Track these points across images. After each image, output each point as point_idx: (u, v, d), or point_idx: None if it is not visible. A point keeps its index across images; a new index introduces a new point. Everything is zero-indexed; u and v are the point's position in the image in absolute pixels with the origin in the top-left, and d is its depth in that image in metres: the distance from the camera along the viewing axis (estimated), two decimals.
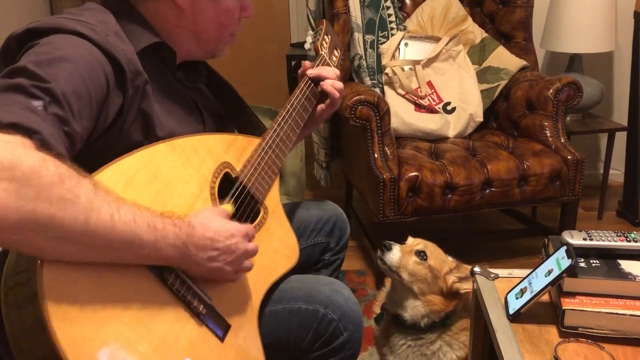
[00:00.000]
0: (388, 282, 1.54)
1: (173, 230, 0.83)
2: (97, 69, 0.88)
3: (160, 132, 1.00)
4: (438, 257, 1.45)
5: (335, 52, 1.46)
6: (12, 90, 0.79)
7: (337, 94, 1.30)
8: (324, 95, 1.32)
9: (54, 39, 0.88)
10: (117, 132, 0.95)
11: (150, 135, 0.99)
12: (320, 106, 1.33)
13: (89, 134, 0.89)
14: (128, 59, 0.94)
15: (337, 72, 1.33)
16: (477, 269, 1.21)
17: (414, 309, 1.43)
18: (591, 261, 1.04)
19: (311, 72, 1.31)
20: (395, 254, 1.42)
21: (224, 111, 1.25)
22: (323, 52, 1.38)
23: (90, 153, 0.89)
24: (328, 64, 1.38)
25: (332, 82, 1.30)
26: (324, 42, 1.41)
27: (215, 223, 0.91)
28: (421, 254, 1.42)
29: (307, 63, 1.33)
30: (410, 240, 1.48)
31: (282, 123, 1.22)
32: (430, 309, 1.41)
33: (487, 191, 2.15)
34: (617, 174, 3.03)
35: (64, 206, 0.70)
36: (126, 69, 0.93)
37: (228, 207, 1.03)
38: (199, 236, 0.87)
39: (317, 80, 1.31)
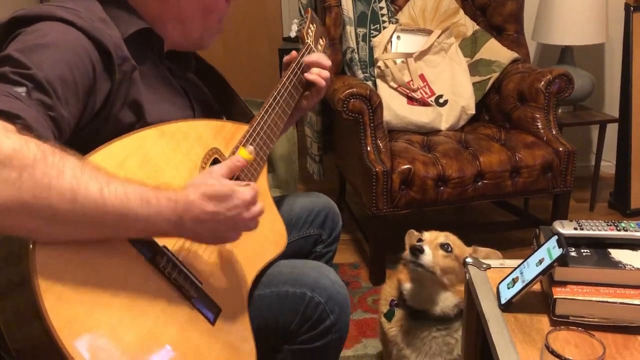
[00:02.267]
0: (403, 279, 1.49)
1: (168, 205, 0.82)
2: (82, 55, 0.88)
3: (150, 118, 1.00)
4: (460, 246, 1.46)
5: (321, 40, 1.46)
6: None
7: (323, 83, 1.30)
8: (310, 84, 1.32)
9: (39, 27, 0.88)
10: (105, 118, 0.94)
11: (140, 121, 0.99)
12: (307, 94, 1.33)
13: (77, 120, 0.88)
14: (115, 45, 0.93)
15: (329, 62, 1.33)
16: (469, 259, 1.21)
17: (445, 301, 1.43)
18: (582, 250, 1.05)
19: (308, 59, 1.30)
20: (428, 254, 1.39)
21: (213, 99, 1.25)
22: (309, 41, 1.39)
23: (79, 140, 0.89)
24: (314, 52, 1.38)
25: (319, 72, 1.30)
26: (309, 30, 1.41)
27: (218, 194, 0.87)
28: (446, 247, 1.43)
29: (293, 52, 1.33)
30: (428, 235, 1.47)
31: (270, 110, 1.22)
32: (461, 297, 1.42)
33: (480, 183, 2.16)
34: (608, 165, 3.04)
35: (49, 183, 0.69)
36: (113, 54, 0.92)
37: (244, 153, 1.01)
38: (198, 209, 0.84)
39: (303, 69, 1.31)
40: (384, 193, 2.09)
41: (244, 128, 1.17)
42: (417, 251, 1.39)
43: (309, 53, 1.35)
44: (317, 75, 1.29)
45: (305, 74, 1.30)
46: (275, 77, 3.93)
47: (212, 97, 1.26)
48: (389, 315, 1.52)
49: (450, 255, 1.42)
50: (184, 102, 1.13)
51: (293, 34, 1.28)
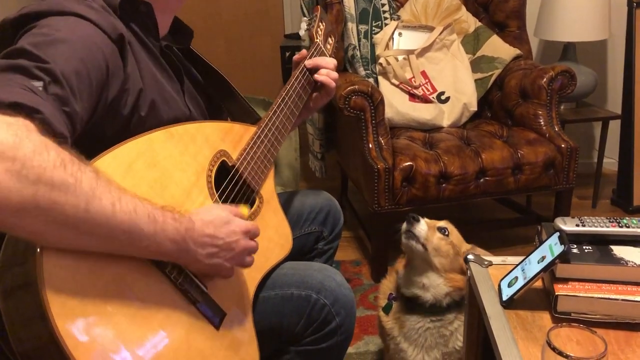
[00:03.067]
0: (400, 267, 1.51)
1: (173, 224, 0.83)
2: (95, 50, 0.88)
3: (143, 108, 0.99)
4: (457, 236, 1.47)
5: (330, 39, 1.45)
6: (12, 70, 0.79)
7: (332, 84, 1.30)
8: (319, 84, 1.32)
9: (51, 21, 0.87)
10: (111, 114, 0.94)
11: (135, 111, 0.98)
12: (315, 95, 1.33)
13: (90, 116, 0.88)
14: (125, 32, 0.93)
15: (335, 62, 1.33)
16: (470, 256, 1.21)
17: (436, 288, 1.43)
18: (584, 247, 1.05)
19: (309, 63, 1.30)
20: (423, 226, 1.41)
21: (214, 98, 1.24)
22: (318, 40, 1.38)
23: (88, 134, 0.88)
24: (323, 52, 1.37)
25: (328, 72, 1.29)
26: (318, 29, 1.40)
27: (217, 219, 0.91)
28: (443, 230, 1.43)
29: (303, 51, 1.33)
30: (427, 219, 1.47)
31: (278, 112, 1.21)
32: (452, 286, 1.42)
33: (482, 180, 2.15)
34: (611, 162, 3.03)
35: (66, 190, 0.69)
36: (125, 36, 0.93)
37: (244, 210, 1.03)
38: (199, 232, 0.87)
39: (312, 69, 1.31)
40: (386, 190, 2.08)
41: (251, 130, 1.16)
42: (413, 219, 1.41)
43: (318, 52, 1.35)
44: (326, 76, 1.29)
45: (315, 75, 1.30)
46: (278, 74, 3.92)
47: (214, 95, 1.25)
48: (387, 309, 1.53)
49: (446, 239, 1.42)
50: (174, 84, 1.10)
51: (302, 32, 1.27)
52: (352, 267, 2.37)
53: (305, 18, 1.44)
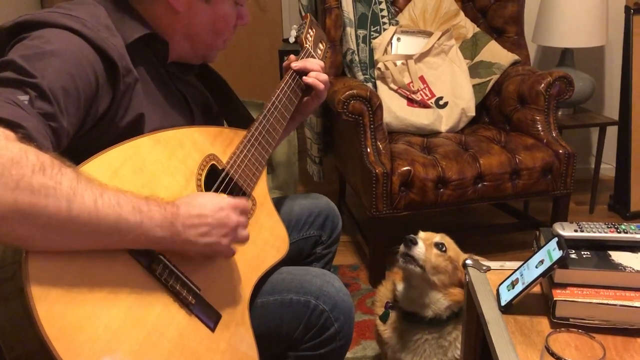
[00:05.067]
0: (397, 280, 1.50)
1: (158, 210, 0.83)
2: (86, 65, 0.88)
3: (149, 125, 1.00)
4: (455, 249, 1.46)
5: (320, 45, 1.46)
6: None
7: (321, 86, 1.30)
8: (309, 88, 1.32)
9: (44, 33, 0.87)
10: (107, 126, 0.95)
11: (139, 129, 0.99)
12: (307, 98, 1.34)
13: (76, 130, 0.88)
14: (120, 55, 0.94)
15: (322, 64, 1.33)
16: (469, 261, 1.21)
17: (436, 303, 1.43)
18: (582, 252, 1.05)
19: (295, 65, 1.31)
20: (421, 248, 1.40)
21: (214, 103, 1.25)
22: (307, 45, 1.39)
23: (78, 146, 0.89)
24: (313, 56, 1.38)
25: (316, 75, 1.29)
26: (308, 35, 1.41)
27: (201, 199, 0.91)
28: (440, 246, 1.42)
29: (292, 56, 1.34)
30: (424, 234, 1.47)
31: (268, 115, 1.22)
32: (452, 300, 1.42)
33: (480, 185, 2.15)
34: (608, 167, 3.04)
35: (46, 193, 0.70)
36: (119, 65, 0.93)
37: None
38: (185, 214, 0.87)
39: (302, 73, 1.31)
40: (384, 195, 2.08)
41: (241, 133, 1.17)
42: (410, 242, 1.40)
43: (307, 56, 1.35)
44: (314, 79, 1.29)
45: (304, 77, 1.30)
46: (276, 78, 3.93)
47: (212, 101, 1.25)
48: (384, 317, 1.53)
49: (444, 255, 1.42)
50: (182, 107, 1.13)
51: (292, 39, 1.28)
52: (350, 271, 2.37)
53: (295, 26, 1.45)
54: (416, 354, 1.47)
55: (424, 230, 1.49)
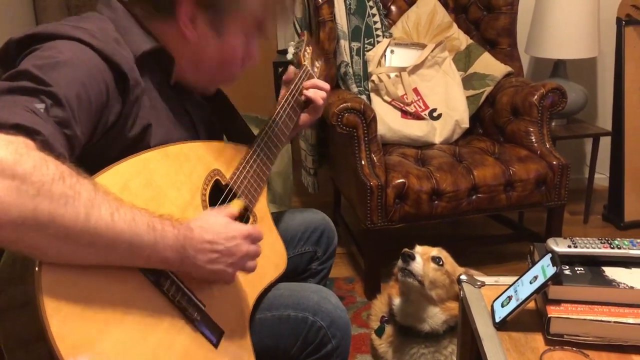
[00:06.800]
0: (393, 294, 1.50)
1: (172, 231, 0.84)
2: (97, 75, 0.89)
3: (155, 138, 1.00)
4: (451, 263, 1.46)
5: (317, 63, 1.48)
6: (15, 92, 0.80)
7: (320, 101, 1.32)
8: (307, 102, 1.33)
9: (55, 44, 0.88)
10: (115, 137, 0.95)
11: (145, 141, 0.99)
12: (304, 115, 1.35)
13: (88, 139, 0.89)
14: (130, 67, 0.95)
15: (328, 86, 1.35)
16: (463, 277, 1.21)
17: (434, 317, 1.43)
18: (576, 268, 1.05)
19: (307, 84, 1.33)
20: (419, 262, 1.40)
21: (215, 119, 1.25)
22: (306, 63, 1.40)
23: (87, 156, 0.89)
24: (311, 74, 1.39)
25: (317, 90, 1.32)
26: (306, 53, 1.42)
27: (215, 225, 0.91)
28: (437, 260, 1.43)
29: (291, 69, 1.34)
30: (420, 248, 1.47)
31: (269, 131, 1.24)
32: (449, 314, 1.42)
33: (474, 197, 2.16)
34: (602, 177, 3.05)
35: (65, 202, 0.70)
36: (129, 76, 0.94)
37: (235, 205, 1.04)
38: (198, 239, 0.88)
39: (301, 91, 1.33)
40: (379, 207, 2.09)
41: (243, 149, 1.18)
42: (409, 257, 1.40)
43: (306, 76, 1.36)
44: (314, 92, 1.31)
45: (304, 91, 1.32)
46: (270, 90, 3.93)
47: (214, 117, 1.26)
48: (380, 332, 1.52)
49: (441, 269, 1.42)
50: (186, 122, 1.13)
51: (290, 56, 1.30)
52: (345, 284, 2.36)
53: (292, 43, 1.46)
54: None
55: (421, 243, 1.49)
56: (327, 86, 1.35)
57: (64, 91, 0.82)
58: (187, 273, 0.90)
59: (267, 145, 1.22)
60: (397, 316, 1.48)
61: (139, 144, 0.98)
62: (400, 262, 1.41)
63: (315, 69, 1.45)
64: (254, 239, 0.97)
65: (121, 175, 0.89)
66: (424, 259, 1.42)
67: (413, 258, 1.40)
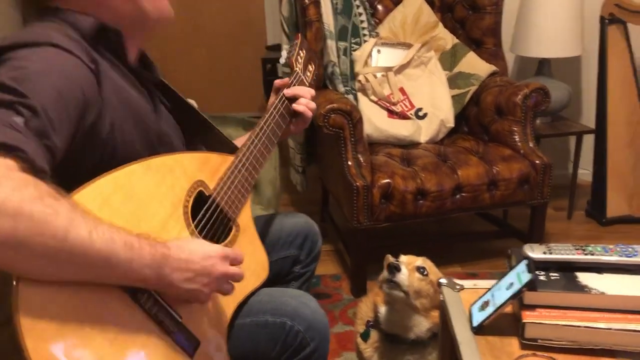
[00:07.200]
0: (379, 302, 1.51)
1: (149, 250, 0.85)
2: (72, 80, 0.89)
3: (121, 137, 1.00)
4: (436, 273, 1.48)
5: (310, 67, 1.48)
6: None
7: (310, 114, 1.34)
8: (297, 113, 1.35)
9: (27, 53, 0.88)
10: (93, 135, 0.95)
11: (113, 140, 0.99)
12: (293, 123, 1.36)
13: (68, 145, 0.90)
14: (93, 59, 0.95)
15: (312, 92, 1.36)
16: (443, 280, 1.24)
17: (418, 326, 1.45)
18: (550, 274, 1.08)
19: (288, 92, 1.33)
20: (404, 274, 1.41)
21: (191, 133, 1.26)
22: (297, 69, 1.40)
23: (65, 163, 0.90)
24: (303, 80, 1.40)
25: (307, 102, 1.33)
26: (298, 57, 1.43)
27: (192, 245, 0.93)
28: (422, 270, 1.44)
29: (286, 80, 1.36)
30: (405, 258, 1.48)
31: (256, 141, 1.24)
32: (433, 322, 1.44)
33: (458, 196, 2.19)
34: (586, 173, 3.10)
35: (44, 222, 0.72)
36: (95, 70, 0.94)
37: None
38: (174, 257, 0.89)
39: (292, 99, 1.34)
40: (365, 207, 2.12)
41: (229, 159, 1.18)
42: (395, 269, 1.41)
43: (297, 81, 1.38)
44: (305, 107, 1.32)
45: (294, 105, 1.33)
46: (258, 86, 3.94)
47: (190, 131, 1.26)
48: (365, 336, 1.54)
49: (426, 279, 1.44)
50: (148, 104, 1.11)
51: (283, 60, 1.30)
52: (332, 281, 2.40)
53: (285, 46, 1.47)
54: None
55: (405, 253, 1.50)
56: (308, 94, 1.35)
57: (41, 101, 0.83)
58: (164, 292, 0.91)
59: (253, 155, 1.22)
60: (382, 324, 1.50)
61: (112, 142, 0.98)
62: (385, 274, 1.42)
63: (308, 73, 1.45)
64: (233, 260, 0.98)
65: (102, 190, 0.90)
66: (409, 269, 1.43)
67: (399, 269, 1.41)
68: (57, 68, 0.88)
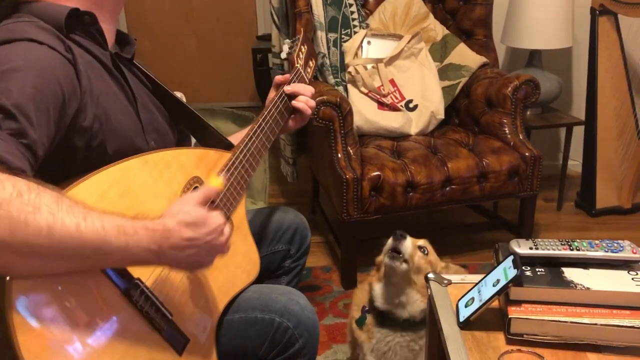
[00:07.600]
0: (374, 281, 1.53)
1: (146, 234, 0.83)
2: (49, 75, 0.88)
3: (109, 128, 0.99)
4: (434, 255, 1.52)
5: (310, 62, 1.47)
6: None
7: (309, 112, 1.33)
8: (295, 110, 1.34)
9: (1, 51, 0.87)
10: (75, 126, 0.94)
11: (100, 132, 0.98)
12: (291, 120, 1.35)
13: (52, 139, 0.89)
14: (71, 51, 0.94)
15: (312, 90, 1.35)
16: (430, 275, 1.25)
17: (413, 304, 1.47)
18: (537, 269, 1.09)
19: (288, 89, 1.32)
20: (409, 243, 1.44)
21: (185, 130, 1.25)
22: (299, 65, 1.39)
23: (54, 156, 0.89)
24: (303, 78, 1.40)
25: (306, 100, 1.32)
26: (300, 53, 1.42)
27: (196, 220, 0.88)
28: (423, 250, 1.48)
29: (286, 76, 1.35)
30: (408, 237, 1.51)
31: (254, 138, 1.23)
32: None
33: (448, 189, 2.20)
34: (576, 164, 3.11)
35: (25, 220, 0.71)
36: (73, 62, 0.93)
37: (216, 182, 1.03)
38: (177, 237, 0.86)
39: (291, 96, 1.33)
40: (355, 200, 2.12)
41: (226, 156, 1.18)
42: (400, 236, 1.44)
43: (298, 78, 1.37)
44: (304, 104, 1.31)
45: (293, 102, 1.32)
46: (249, 77, 3.93)
47: (184, 128, 1.25)
48: (360, 322, 1.56)
49: (426, 258, 1.47)
50: (126, 93, 1.09)
51: (284, 56, 1.29)
52: (323, 273, 2.40)
53: (287, 41, 1.46)
54: (386, 358, 1.51)
55: (382, 231, 1.54)
56: (309, 91, 1.34)
57: (16, 99, 0.82)
58: (163, 267, 0.90)
59: (250, 152, 1.21)
60: (376, 301, 1.51)
61: (100, 134, 0.97)
62: (390, 241, 1.45)
63: (309, 69, 1.45)
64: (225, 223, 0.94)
65: (98, 185, 0.90)
66: (413, 245, 1.46)
67: (405, 237, 1.44)
68: (33, 64, 0.87)
